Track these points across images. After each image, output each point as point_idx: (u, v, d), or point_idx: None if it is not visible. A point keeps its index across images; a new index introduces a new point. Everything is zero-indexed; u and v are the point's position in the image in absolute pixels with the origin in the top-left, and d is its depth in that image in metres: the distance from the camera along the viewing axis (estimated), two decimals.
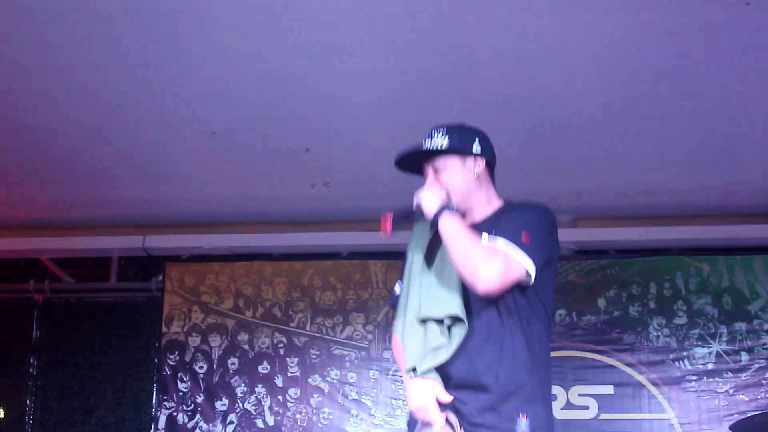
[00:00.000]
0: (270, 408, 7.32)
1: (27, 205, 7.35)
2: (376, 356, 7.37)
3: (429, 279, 3.50)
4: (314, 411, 7.29)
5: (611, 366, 6.97)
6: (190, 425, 7.30)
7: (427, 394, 3.31)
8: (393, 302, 3.71)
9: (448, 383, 3.39)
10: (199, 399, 7.34)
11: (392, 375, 7.26)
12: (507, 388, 3.31)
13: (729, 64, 5.00)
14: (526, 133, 6.05)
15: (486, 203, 3.52)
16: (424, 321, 3.44)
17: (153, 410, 7.41)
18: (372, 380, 7.31)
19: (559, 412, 6.85)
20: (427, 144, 3.61)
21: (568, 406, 7.00)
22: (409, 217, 3.47)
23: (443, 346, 3.37)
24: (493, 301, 3.37)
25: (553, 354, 6.62)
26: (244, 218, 7.60)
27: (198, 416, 7.33)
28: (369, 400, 7.26)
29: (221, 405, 7.32)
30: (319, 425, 7.25)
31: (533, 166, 6.52)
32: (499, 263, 3.27)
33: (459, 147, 3.58)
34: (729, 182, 6.67)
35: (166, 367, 7.44)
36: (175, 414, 7.34)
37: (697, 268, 7.13)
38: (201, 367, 7.43)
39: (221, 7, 4.79)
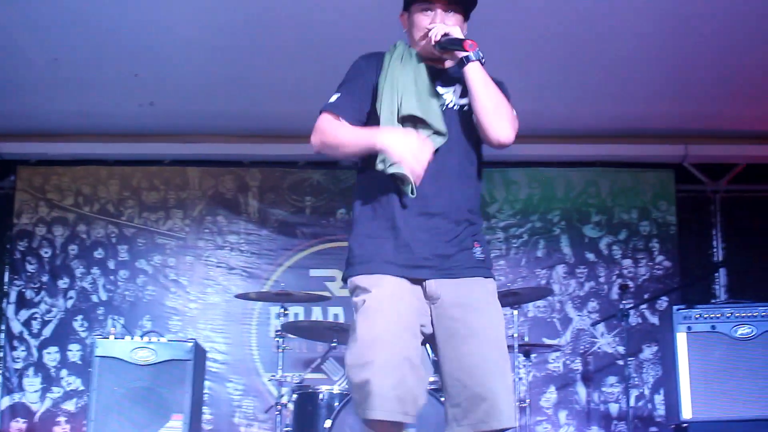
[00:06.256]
0: (103, 286, 8.08)
1: None
2: (191, 245, 8.18)
3: (418, 96, 3.42)
4: (140, 288, 8.10)
5: None
6: (36, 300, 8.06)
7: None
8: (330, 107, 3.41)
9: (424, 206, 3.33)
10: (44, 278, 8.10)
11: (204, 260, 8.11)
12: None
13: None
14: None
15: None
16: (404, 120, 3.36)
17: (5, 287, 8.12)
18: (188, 264, 8.15)
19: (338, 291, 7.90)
20: None
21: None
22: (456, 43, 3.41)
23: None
24: (471, 147, 3.45)
25: (333, 245, 7.87)
26: (83, 129, 8.21)
27: (43, 292, 8.07)
28: (185, 280, 8.11)
29: (63, 283, 8.08)
30: (144, 300, 8.07)
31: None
32: (516, 121, 3.42)
33: (473, 6, 3.59)
34: None
35: (16, 252, 8.17)
36: (23, 290, 8.10)
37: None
38: (46, 252, 8.16)
39: None
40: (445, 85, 3.49)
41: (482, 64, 3.36)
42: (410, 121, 3.35)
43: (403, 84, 3.40)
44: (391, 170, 3.24)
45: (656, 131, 8.23)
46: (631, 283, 7.96)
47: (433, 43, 3.40)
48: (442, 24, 3.42)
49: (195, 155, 8.40)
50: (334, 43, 6.47)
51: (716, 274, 8.36)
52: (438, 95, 3.44)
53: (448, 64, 3.52)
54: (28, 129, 8.22)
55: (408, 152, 3.14)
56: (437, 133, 3.35)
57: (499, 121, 3.32)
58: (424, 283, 3.31)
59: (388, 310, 3.19)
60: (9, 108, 7.80)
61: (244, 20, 6.32)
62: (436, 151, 3.29)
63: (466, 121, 3.43)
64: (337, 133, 3.36)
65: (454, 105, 3.47)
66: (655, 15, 6.23)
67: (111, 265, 8.20)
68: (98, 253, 8.22)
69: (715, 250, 8.52)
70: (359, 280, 3.29)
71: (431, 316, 3.31)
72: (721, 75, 7.13)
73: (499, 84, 3.47)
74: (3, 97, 7.58)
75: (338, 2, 6.10)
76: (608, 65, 7.00)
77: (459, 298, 3.29)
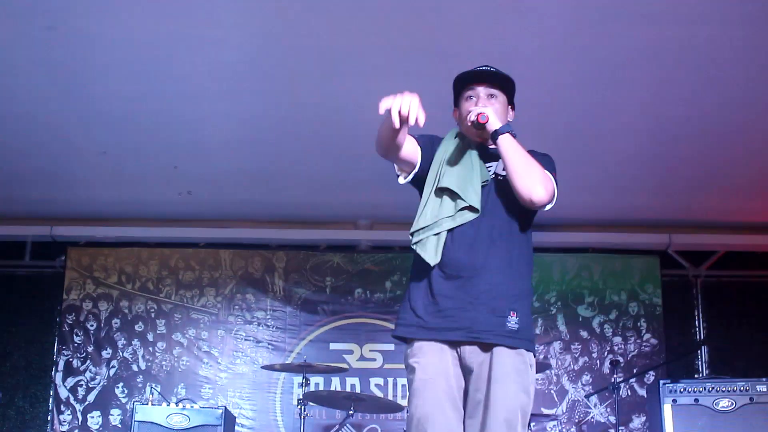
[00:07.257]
0: (143, 356, 8.53)
1: None
2: (223, 320, 8.65)
3: (459, 173, 3.63)
4: (176, 359, 8.55)
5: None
6: (82, 368, 8.48)
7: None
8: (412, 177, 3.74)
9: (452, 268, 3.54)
10: (90, 349, 8.53)
11: (234, 333, 8.60)
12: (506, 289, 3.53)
13: None
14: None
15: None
16: (441, 191, 3.61)
17: (54, 356, 8.55)
18: (219, 337, 8.62)
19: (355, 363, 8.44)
20: (497, 72, 3.75)
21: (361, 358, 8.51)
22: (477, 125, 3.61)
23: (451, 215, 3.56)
24: (510, 213, 3.61)
25: (350, 321, 8.48)
26: (128, 215, 8.75)
27: (88, 361, 8.50)
28: (217, 351, 8.57)
29: (106, 353, 8.52)
30: (179, 370, 8.51)
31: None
32: (551, 183, 3.57)
33: (514, 92, 3.85)
34: None
35: (65, 325, 8.60)
36: (71, 360, 8.52)
37: None
38: (92, 325, 8.62)
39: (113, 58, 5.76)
40: (490, 161, 3.73)
41: (513, 136, 3.58)
42: (446, 192, 3.62)
43: (447, 161, 3.67)
44: (414, 247, 3.64)
45: (643, 221, 8.70)
46: (621, 359, 8.32)
47: (469, 124, 3.65)
48: (481, 107, 3.65)
49: (227, 239, 8.94)
50: (354, 141, 6.58)
51: (699, 351, 8.78)
52: (482, 172, 3.68)
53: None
54: (78, 214, 8.75)
55: (395, 98, 3.33)
56: (470, 208, 3.57)
57: (526, 179, 3.49)
58: (459, 348, 3.52)
59: (432, 390, 3.50)
60: (61, 195, 8.32)
61: (275, 119, 6.68)
62: (471, 222, 3.57)
63: (505, 189, 3.62)
64: (378, 130, 3.60)
65: (496, 176, 3.70)
66: (645, 117, 6.62)
67: (150, 337, 8.66)
68: (138, 327, 8.69)
69: (697, 329, 8.98)
70: (408, 353, 3.61)
71: (465, 382, 3.59)
72: (702, 171, 7.53)
73: (543, 155, 3.70)
74: (56, 185, 8.05)
75: (360, 102, 5.95)
76: (602, 161, 7.38)
77: (486, 371, 3.47)
